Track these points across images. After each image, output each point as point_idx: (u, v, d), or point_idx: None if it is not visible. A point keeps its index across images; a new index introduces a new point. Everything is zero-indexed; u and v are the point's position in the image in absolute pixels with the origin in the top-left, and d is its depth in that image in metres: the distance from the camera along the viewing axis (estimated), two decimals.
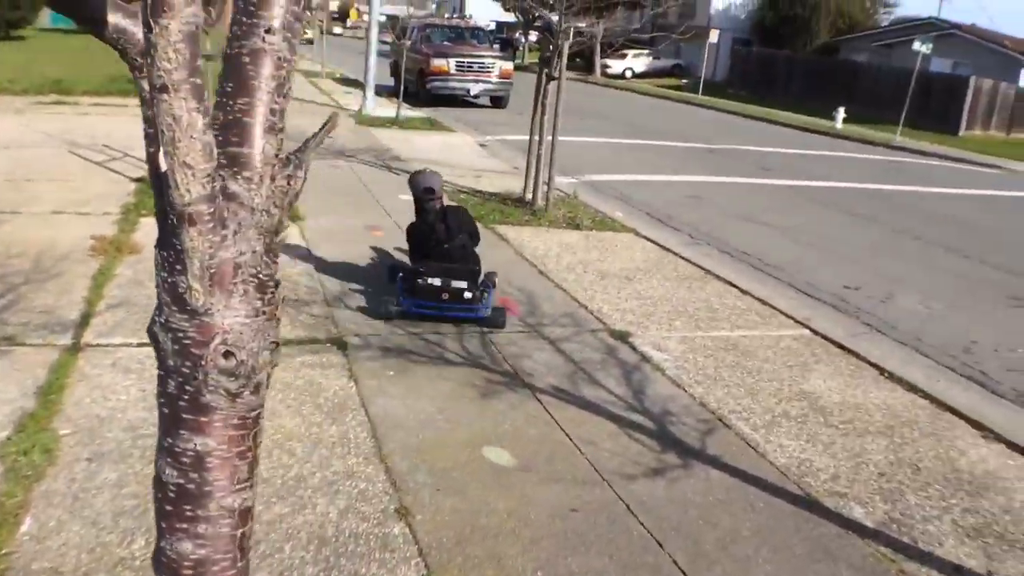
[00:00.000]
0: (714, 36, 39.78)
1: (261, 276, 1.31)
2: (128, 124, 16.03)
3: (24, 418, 4.71)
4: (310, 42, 54.68)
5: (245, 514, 1.42)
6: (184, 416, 1.32)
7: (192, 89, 1.15)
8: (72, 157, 12.30)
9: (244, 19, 1.34)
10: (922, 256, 11.61)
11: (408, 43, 22.69)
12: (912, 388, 6.61)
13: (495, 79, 23.07)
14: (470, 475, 4.60)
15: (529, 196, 10.96)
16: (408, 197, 7.53)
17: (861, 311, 8.65)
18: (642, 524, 4.34)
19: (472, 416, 5.25)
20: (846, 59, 45.61)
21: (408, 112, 18.60)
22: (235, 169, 1.28)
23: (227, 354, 1.28)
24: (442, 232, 6.87)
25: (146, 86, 1.37)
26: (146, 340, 5.50)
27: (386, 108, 19.63)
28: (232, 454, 1.36)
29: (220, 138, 1.28)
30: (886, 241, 12.33)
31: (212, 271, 1.25)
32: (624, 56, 50.81)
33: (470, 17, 27.29)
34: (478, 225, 7.61)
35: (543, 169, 10.70)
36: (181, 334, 1.28)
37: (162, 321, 1.29)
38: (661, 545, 4.17)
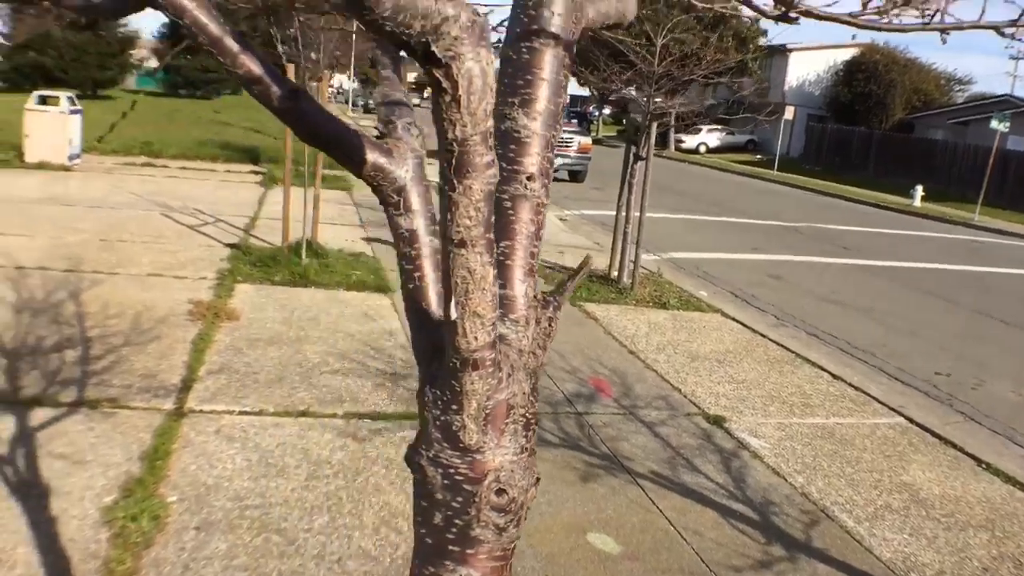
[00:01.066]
0: (790, 113, 39.77)
1: (528, 415, 1.34)
2: (217, 189, 16.46)
3: (130, 482, 4.76)
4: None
5: None
6: (451, 548, 1.35)
7: (487, 244, 1.19)
8: (164, 220, 12.62)
9: (505, 166, 1.39)
10: (1009, 340, 11.37)
11: None
12: (1010, 480, 6.46)
13: (574, 154, 23.29)
14: (576, 561, 4.53)
15: (615, 273, 10.95)
16: None
17: (954, 398, 8.47)
18: None
19: (574, 499, 5.19)
20: (922, 136, 45.26)
21: None
22: (502, 312, 1.32)
23: (500, 491, 1.32)
24: None
25: (401, 222, 1.45)
26: (247, 409, 5.60)
27: None
28: None
29: None
30: (972, 324, 12.10)
31: (487, 412, 1.29)
32: (698, 131, 50.97)
33: None
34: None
35: (629, 247, 10.70)
36: (452, 470, 1.31)
37: (431, 456, 1.33)
38: None
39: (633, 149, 10.67)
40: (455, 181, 1.19)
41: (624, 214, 10.73)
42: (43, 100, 18.62)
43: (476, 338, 1.24)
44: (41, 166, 17.59)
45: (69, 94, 19.32)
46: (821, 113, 52.21)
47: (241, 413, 5.81)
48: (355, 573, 4.18)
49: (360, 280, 9.39)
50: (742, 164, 44.11)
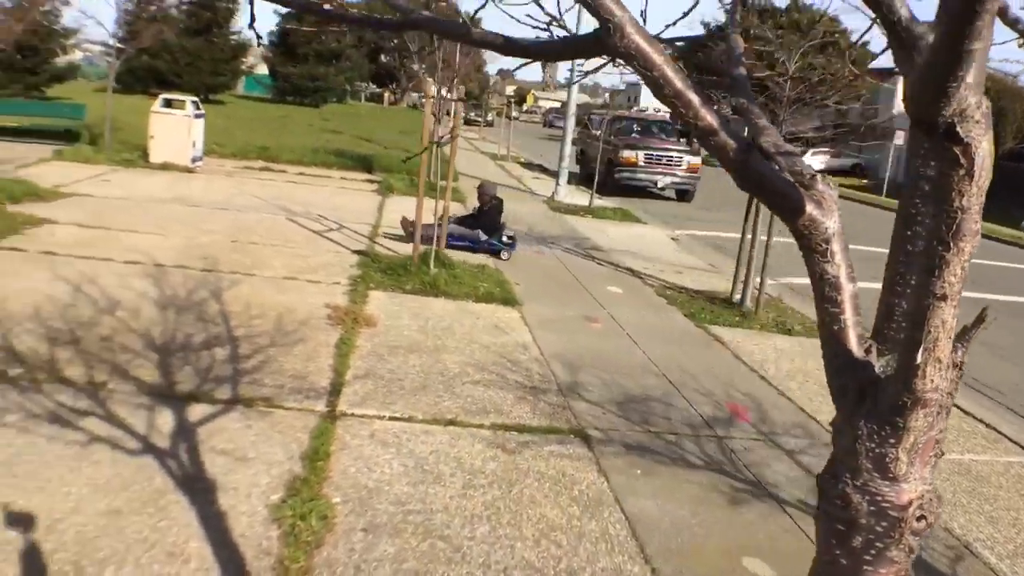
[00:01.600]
0: (900, 138, 38.90)
1: (942, 448, 1.45)
2: (334, 196, 16.82)
3: (294, 481, 4.90)
4: (489, 124, 56.47)
5: None
6: (866, 568, 1.45)
7: (958, 300, 1.31)
8: (290, 224, 12.95)
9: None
10: None
11: (597, 133, 23.10)
12: None
13: (682, 172, 23.22)
14: None
15: (737, 297, 10.89)
16: (616, 288, 7.68)
17: None
18: None
19: (724, 523, 5.19)
20: None
21: (599, 201, 18.85)
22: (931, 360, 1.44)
23: (920, 518, 1.43)
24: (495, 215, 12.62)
25: (828, 269, 1.56)
26: (397, 414, 5.73)
27: (575, 195, 19.95)
28: None
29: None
30: None
31: (919, 446, 1.41)
32: (803, 153, 50.09)
33: (659, 110, 27.54)
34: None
35: (753, 270, 10.63)
36: (880, 497, 1.44)
37: (859, 484, 1.45)
38: None
39: None
40: (951, 242, 1.32)
41: (750, 237, 10.66)
42: (168, 104, 19.25)
43: (932, 381, 1.35)
44: (165, 167, 18.20)
45: (193, 98, 19.93)
46: None
47: (391, 419, 5.94)
48: None
49: (487, 292, 9.51)
50: (848, 188, 43.30)
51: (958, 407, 8.35)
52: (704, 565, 4.67)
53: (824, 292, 1.55)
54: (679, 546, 4.82)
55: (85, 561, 3.97)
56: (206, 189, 16.08)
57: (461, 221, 12.59)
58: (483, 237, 12.32)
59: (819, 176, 1.59)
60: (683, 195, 23.86)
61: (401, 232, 12.27)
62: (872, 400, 1.45)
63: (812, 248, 1.55)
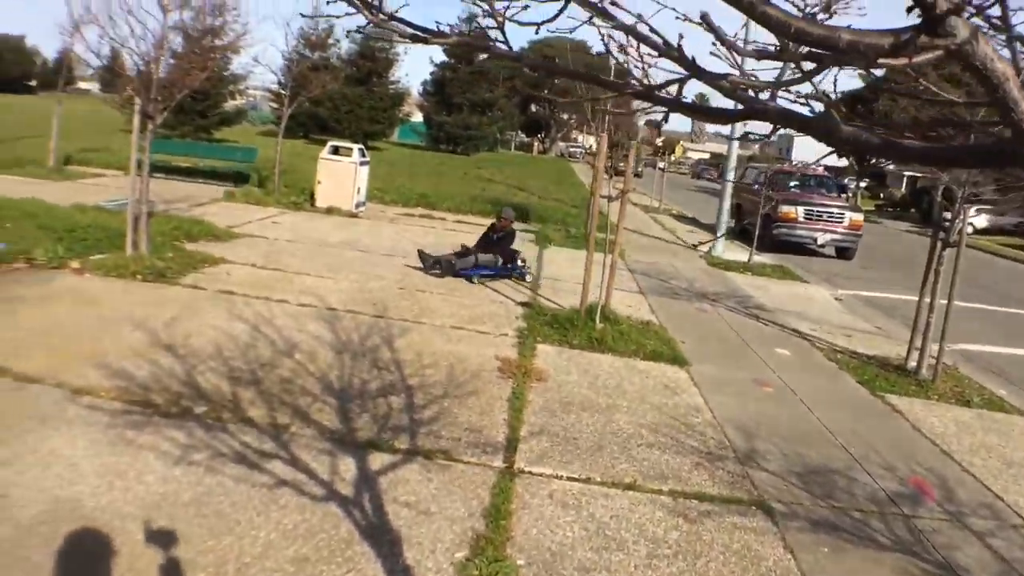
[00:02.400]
0: None
1: None
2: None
3: (478, 539, 4.89)
4: (638, 175, 56.39)
5: None
6: None
7: None
8: None
9: None
10: None
11: (755, 186, 22.77)
12: None
13: (843, 229, 22.56)
14: None
15: (912, 364, 10.45)
16: (784, 351, 7.47)
17: None
18: None
19: None
20: None
21: (758, 258, 18.50)
22: None
23: None
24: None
25: None
26: (574, 475, 5.68)
27: (734, 252, 19.65)
28: None
29: None
30: None
31: None
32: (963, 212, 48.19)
33: (820, 166, 26.93)
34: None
35: (930, 337, 10.19)
36: None
37: None
38: None
39: (941, 235, 10.19)
40: None
41: (928, 301, 10.24)
42: (335, 151, 19.95)
43: None
44: (330, 211, 18.83)
45: (359, 146, 20.59)
46: None
47: (569, 479, 5.89)
48: None
49: (655, 350, 9.40)
50: (1016, 249, 41.32)
51: None
52: None
53: None
54: None
55: None
56: (371, 234, 16.53)
57: (480, 247, 13.52)
58: (503, 263, 13.44)
59: None
60: (843, 253, 23.18)
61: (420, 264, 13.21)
62: None
63: None
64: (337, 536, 4.78)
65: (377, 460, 5.82)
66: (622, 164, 12.21)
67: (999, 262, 34.42)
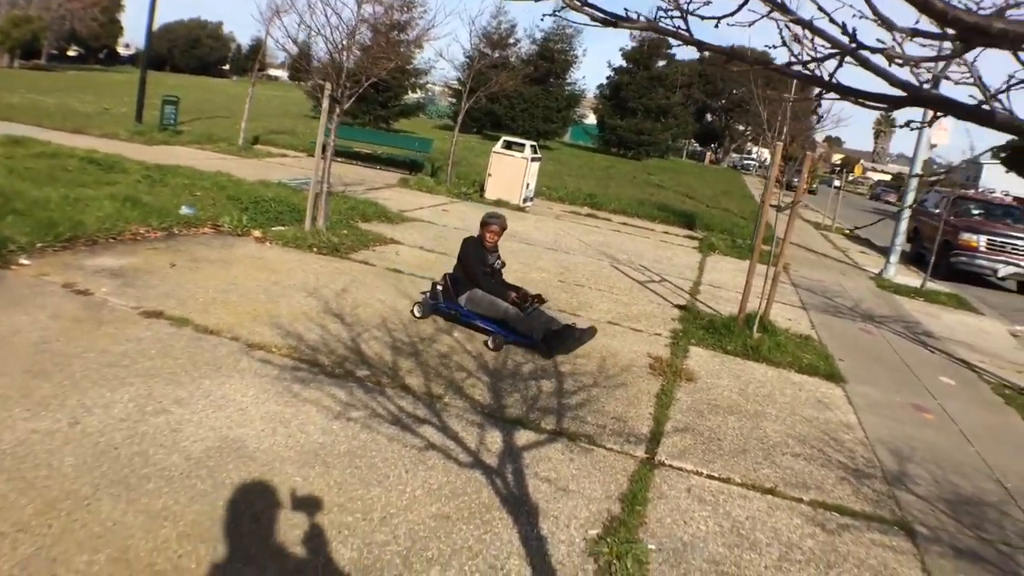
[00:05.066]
0: None
1: None
2: (656, 249, 17.01)
3: (612, 520, 4.99)
4: (812, 192, 54.98)
5: None
6: None
7: None
8: (614, 271, 13.25)
9: None
10: None
11: (936, 211, 21.92)
12: None
13: None
14: None
15: None
16: (948, 380, 7.25)
17: None
18: None
19: None
20: None
21: (932, 285, 17.82)
22: None
23: None
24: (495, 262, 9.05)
25: None
26: (714, 474, 5.71)
27: (907, 276, 19.00)
28: None
29: None
30: None
31: None
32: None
33: (1008, 194, 25.67)
34: None
35: None
36: None
37: None
38: None
39: None
40: None
41: None
42: (508, 145, 20.33)
43: None
44: (498, 203, 19.19)
45: (532, 143, 20.91)
46: None
47: (709, 477, 5.92)
48: None
49: (811, 365, 9.25)
50: None
51: None
52: None
53: None
54: None
55: (413, 558, 4.26)
56: (536, 228, 16.79)
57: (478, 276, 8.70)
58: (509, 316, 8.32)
59: None
60: None
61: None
62: None
63: None
64: (478, 500, 4.97)
65: (523, 437, 6.00)
66: (795, 178, 11.94)
67: None
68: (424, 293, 9.09)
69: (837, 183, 45.13)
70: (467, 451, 5.62)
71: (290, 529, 4.34)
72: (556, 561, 4.50)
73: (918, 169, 19.20)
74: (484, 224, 8.95)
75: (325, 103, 11.70)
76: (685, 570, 4.64)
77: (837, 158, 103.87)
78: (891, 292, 16.84)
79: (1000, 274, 21.29)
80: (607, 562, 4.55)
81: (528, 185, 19.94)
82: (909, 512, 6.00)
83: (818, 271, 18.22)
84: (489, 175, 20.25)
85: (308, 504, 4.64)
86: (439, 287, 8.76)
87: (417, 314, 8.68)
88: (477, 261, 8.69)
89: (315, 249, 10.95)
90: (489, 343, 8.07)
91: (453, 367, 7.26)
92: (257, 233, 11.28)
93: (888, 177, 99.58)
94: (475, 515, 4.80)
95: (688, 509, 5.37)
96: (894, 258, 18.83)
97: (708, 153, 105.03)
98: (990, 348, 12.84)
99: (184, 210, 11.40)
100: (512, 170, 19.71)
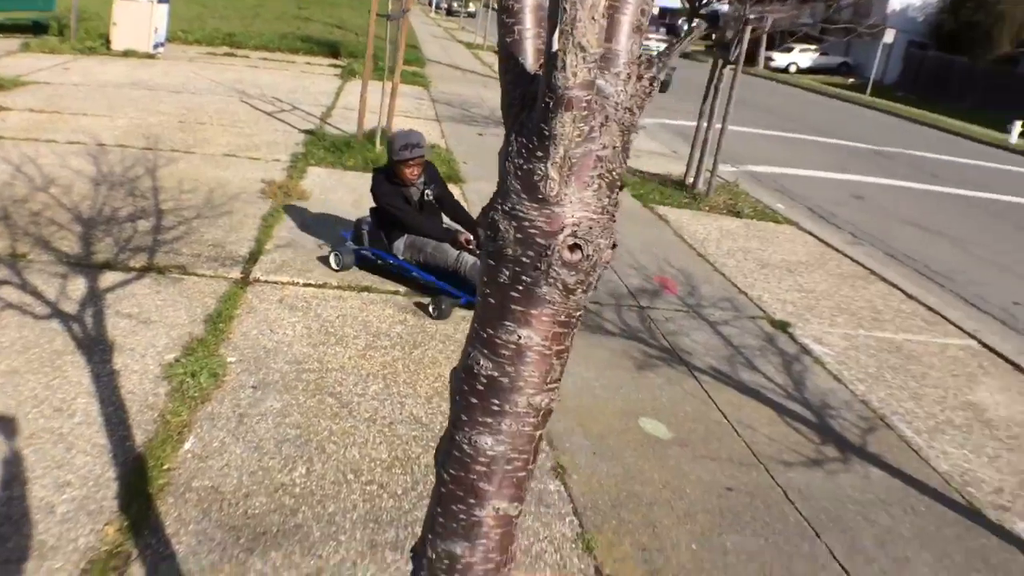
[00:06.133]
0: (890, 36, 38.04)
1: (614, 173, 1.26)
2: (295, 79, 16.50)
3: (192, 343, 4.86)
4: (471, 15, 55.37)
5: (547, 415, 1.41)
6: (513, 308, 1.30)
7: None
8: (242, 105, 12.70)
9: None
10: None
11: None
12: None
13: None
14: (626, 443, 4.53)
15: (690, 180, 10.75)
16: None
17: None
18: (799, 511, 4.20)
19: (629, 386, 5.17)
20: None
21: None
22: (603, 65, 1.24)
23: (574, 247, 1.24)
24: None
25: None
26: (312, 280, 5.64)
27: None
28: (551, 351, 1.34)
29: None
30: None
31: (573, 162, 1.22)
32: (789, 50, 49.41)
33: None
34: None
35: (707, 154, 10.47)
36: (527, 223, 1.24)
37: (506, 208, 1.26)
38: (818, 535, 4.03)
39: (722, 55, 10.34)
40: None
41: (706, 121, 10.47)
42: None
43: (575, 74, 1.14)
44: (127, 54, 17.82)
45: None
46: (922, 40, 49.95)
47: (305, 285, 5.88)
48: (404, 436, 4.23)
49: None
50: (833, 87, 42.73)
51: (901, 290, 8.32)
52: (599, 424, 4.67)
53: (500, 1, 1.36)
54: (577, 406, 4.81)
55: None
56: (165, 74, 15.74)
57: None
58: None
59: None
60: (662, 87, 23.43)
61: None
62: (528, 112, 1.27)
63: None
64: (51, 349, 4.66)
65: (108, 279, 5.66)
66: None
67: (812, 96, 35.63)
68: (346, 235, 6.76)
69: (472, 7, 45.57)
70: (45, 303, 5.22)
71: None
72: (127, 391, 4.32)
73: None
74: (397, 161, 6.21)
75: None
76: (264, 374, 4.61)
77: None
78: None
79: None
80: (180, 382, 4.41)
81: (157, 30, 18.58)
82: None
83: (460, 86, 18.43)
84: (114, 24, 18.63)
85: None
86: (364, 228, 6.49)
87: (335, 266, 6.32)
88: (395, 197, 6.26)
89: None
90: (431, 308, 5.79)
91: (43, 223, 6.66)
92: None
93: None
94: (45, 364, 4.49)
95: (277, 319, 5.31)
96: None
97: None
98: None
99: None
100: (138, 16, 18.24)
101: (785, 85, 41.08)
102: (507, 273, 1.29)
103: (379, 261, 6.29)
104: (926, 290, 8.65)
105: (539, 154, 1.22)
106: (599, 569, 3.50)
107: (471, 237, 6.05)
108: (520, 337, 1.32)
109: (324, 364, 4.79)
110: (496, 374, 1.35)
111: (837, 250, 9.42)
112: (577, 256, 1.25)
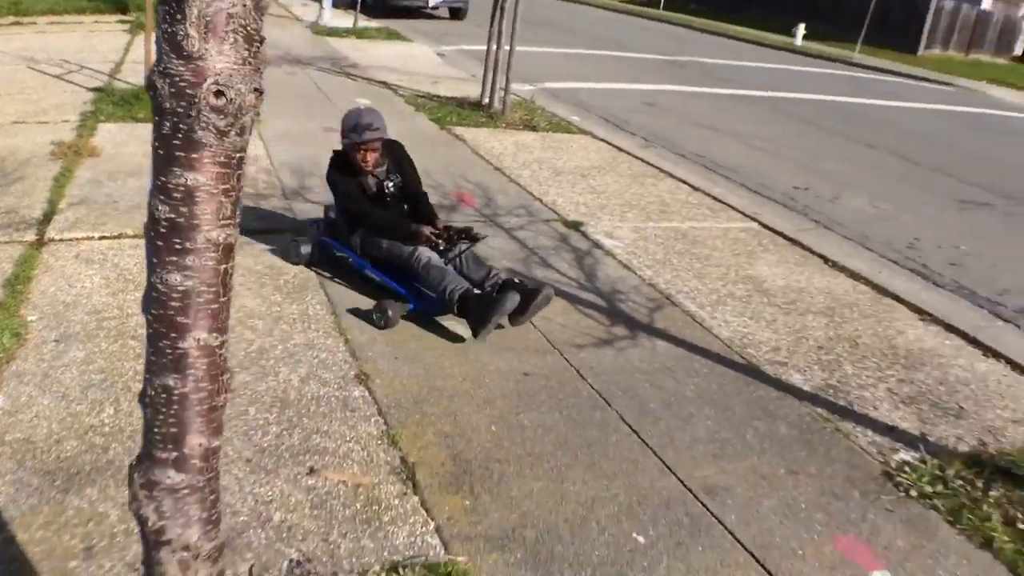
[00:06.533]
0: None
1: (249, 29, 1.47)
2: (84, 39, 15.84)
3: None
4: None
5: (228, 250, 1.61)
6: (177, 154, 1.50)
7: None
8: (30, 72, 12.15)
9: None
10: (874, 162, 11.80)
11: None
12: (855, 276, 6.89)
13: None
14: (426, 346, 4.83)
15: (486, 100, 11.02)
16: (364, 100, 7.73)
17: (810, 209, 8.84)
18: (591, 386, 4.59)
19: None
20: None
21: (366, 23, 18.41)
22: None
23: (218, 93, 1.45)
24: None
25: None
26: (107, 234, 5.65)
27: (343, 19, 19.43)
28: (218, 190, 1.54)
29: None
30: (839, 148, 12.49)
31: (207, 20, 1.42)
32: None
33: None
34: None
35: (500, 73, 10.74)
36: (177, 78, 1.45)
37: (160, 69, 1.46)
38: (609, 403, 4.43)
39: None
40: None
41: (495, 42, 10.71)
42: None
43: None
44: None
45: None
46: None
47: (101, 238, 5.87)
48: None
49: None
50: (627, 4, 43.67)
51: (689, 184, 8.85)
52: (399, 333, 4.96)
53: None
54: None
55: None
56: None
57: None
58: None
59: None
60: (456, 13, 23.48)
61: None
62: None
63: None
64: None
65: None
66: None
67: (611, 15, 36.36)
68: (313, 224, 6.08)
69: None
70: None
71: None
72: None
73: None
74: (354, 144, 5.48)
75: None
76: (66, 328, 4.64)
77: None
78: (325, 36, 17.21)
79: (431, 4, 22.50)
80: None
81: None
82: (305, 217, 6.44)
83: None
84: None
85: None
86: (331, 214, 5.92)
87: (293, 258, 5.75)
88: (352, 187, 5.59)
89: None
90: (374, 316, 5.03)
91: None
92: None
93: None
94: None
95: (75, 274, 5.31)
96: (327, 3, 19.06)
97: None
98: (413, 69, 13.73)
99: None
100: None
101: (581, 5, 41.64)
102: (168, 124, 1.49)
103: (337, 253, 5.69)
104: (712, 183, 9.22)
105: (178, 17, 1.43)
106: (404, 459, 3.79)
107: (430, 234, 5.33)
108: (187, 180, 1.53)
109: (124, 311, 4.86)
110: (174, 216, 1.55)
111: (629, 153, 9.92)
112: (222, 101, 1.47)
